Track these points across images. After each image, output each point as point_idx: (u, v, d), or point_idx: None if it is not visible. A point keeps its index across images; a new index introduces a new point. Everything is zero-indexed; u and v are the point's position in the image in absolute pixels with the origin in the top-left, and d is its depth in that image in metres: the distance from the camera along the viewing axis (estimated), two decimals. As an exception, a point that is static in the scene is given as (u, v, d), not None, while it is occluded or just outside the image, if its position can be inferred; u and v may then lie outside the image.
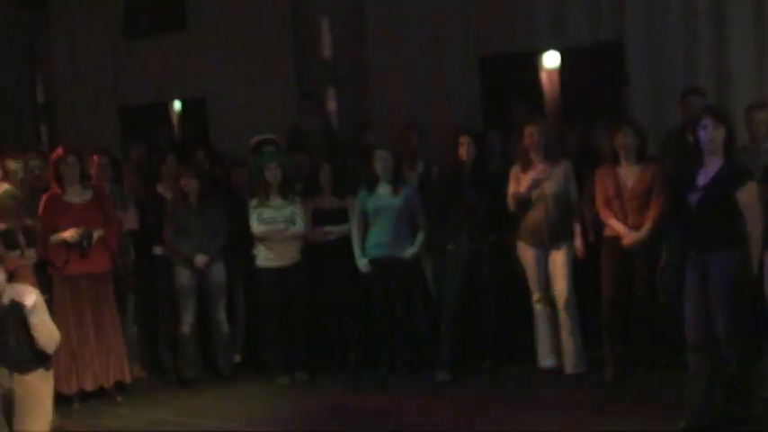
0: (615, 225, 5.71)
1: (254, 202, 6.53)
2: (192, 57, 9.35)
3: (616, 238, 5.73)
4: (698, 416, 4.68)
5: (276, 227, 6.46)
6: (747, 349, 4.68)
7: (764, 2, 6.85)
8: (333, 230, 6.63)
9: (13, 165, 6.53)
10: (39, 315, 5.03)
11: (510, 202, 6.06)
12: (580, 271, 6.04)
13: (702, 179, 4.68)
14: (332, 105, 8.72)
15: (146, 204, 6.98)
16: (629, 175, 5.73)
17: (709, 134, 4.64)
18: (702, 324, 4.67)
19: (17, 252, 6.08)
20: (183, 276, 6.65)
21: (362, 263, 6.43)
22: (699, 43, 7.14)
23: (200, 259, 6.58)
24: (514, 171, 6.09)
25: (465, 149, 6.18)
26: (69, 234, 6.07)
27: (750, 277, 4.67)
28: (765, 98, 6.48)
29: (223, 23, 9.20)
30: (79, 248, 6.13)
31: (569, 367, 6.05)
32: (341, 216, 6.66)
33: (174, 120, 9.82)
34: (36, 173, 6.66)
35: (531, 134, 6.02)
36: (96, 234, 6.14)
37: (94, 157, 6.72)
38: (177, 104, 9.89)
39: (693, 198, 4.65)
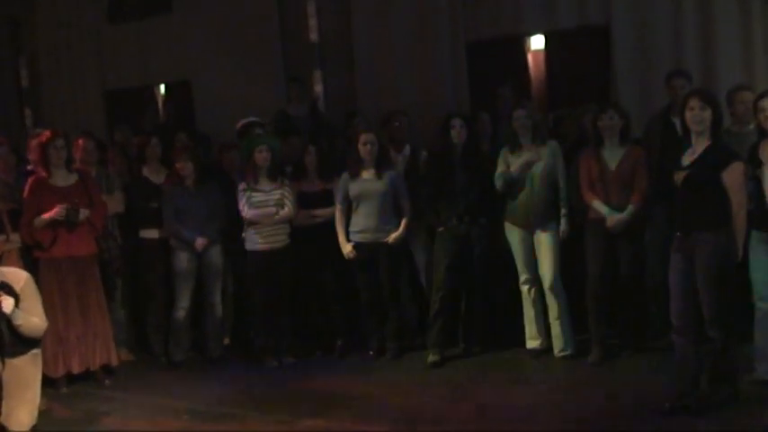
0: (599, 207, 5.74)
1: (242, 186, 6.52)
2: (177, 40, 9.28)
3: (600, 220, 5.77)
4: (683, 397, 4.73)
5: (266, 210, 6.45)
6: (732, 331, 4.73)
7: (750, -15, 6.89)
8: (319, 213, 6.63)
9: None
10: (19, 317, 5.02)
11: (497, 182, 6.07)
12: (568, 253, 6.07)
13: (689, 159, 4.71)
14: (319, 89, 8.69)
15: (131, 187, 6.95)
16: (613, 157, 5.78)
17: (697, 115, 4.66)
18: (687, 306, 4.72)
19: (2, 236, 6.07)
20: (183, 260, 6.65)
21: (347, 248, 6.43)
22: (685, 27, 7.16)
23: (200, 242, 6.58)
24: (503, 153, 6.11)
25: (457, 132, 6.19)
26: (55, 211, 6.03)
27: (735, 259, 4.71)
28: (750, 81, 6.52)
29: (209, 6, 9.13)
30: (67, 225, 6.08)
31: (557, 349, 6.09)
32: (326, 199, 6.66)
33: (160, 103, 9.76)
34: None
35: (518, 117, 6.04)
36: (83, 213, 6.11)
37: (79, 140, 6.67)
38: (162, 88, 9.85)
39: (679, 177, 4.67)
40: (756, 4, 6.88)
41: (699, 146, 4.71)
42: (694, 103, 4.68)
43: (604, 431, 4.70)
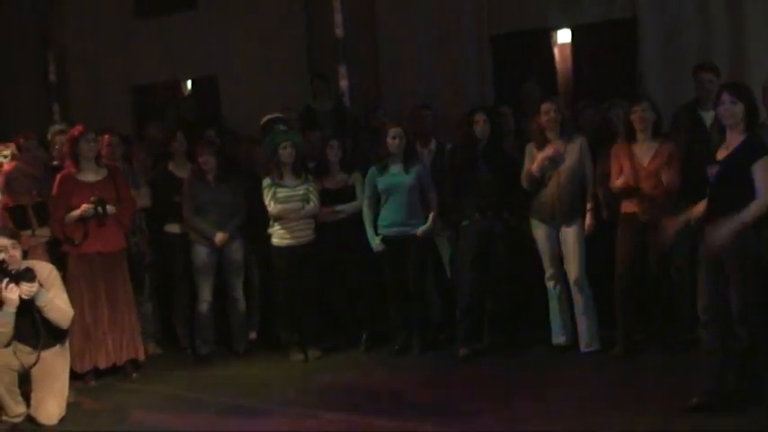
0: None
1: (267, 181, 6.53)
2: (203, 35, 9.33)
3: (632, 215, 5.72)
4: (710, 393, 4.68)
5: (292, 206, 6.47)
6: (761, 327, 4.67)
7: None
8: (343, 209, 6.64)
9: (25, 143, 6.55)
10: (44, 297, 5.10)
11: (523, 179, 6.05)
12: (593, 248, 6.04)
13: (722, 154, 4.66)
14: (343, 84, 8.70)
15: (157, 182, 7.00)
16: (645, 152, 5.72)
17: (727, 109, 4.60)
18: (715, 300, 4.67)
19: (28, 231, 6.13)
20: (202, 254, 6.68)
21: (375, 242, 6.44)
22: (714, 18, 7.09)
23: (220, 236, 6.61)
24: (529, 149, 6.08)
25: (480, 127, 6.17)
26: (83, 207, 6.07)
27: (765, 255, 4.64)
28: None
29: (234, 2, 9.18)
30: (95, 218, 6.12)
31: (583, 345, 6.07)
32: (349, 194, 6.67)
33: (186, 98, 9.81)
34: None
35: (547, 111, 5.99)
36: (110, 209, 6.14)
37: (105, 136, 6.71)
38: (189, 83, 9.90)
39: (712, 171, 4.63)
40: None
41: (733, 140, 4.64)
42: (725, 97, 4.62)
43: (630, 428, 4.66)
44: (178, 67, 9.64)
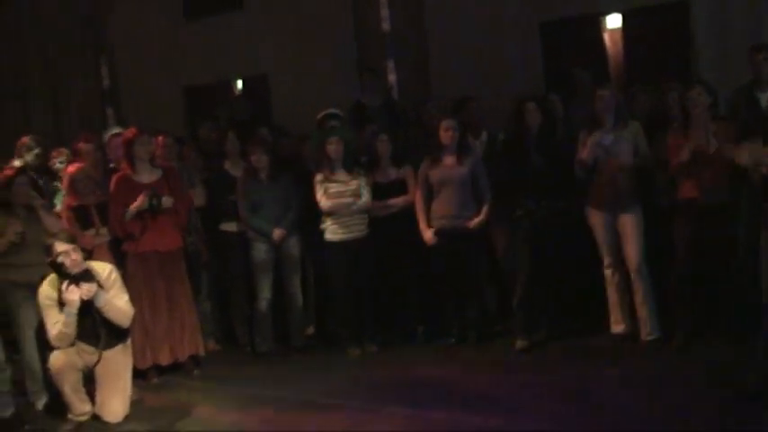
0: None
1: (319, 177, 6.57)
2: (252, 35, 9.41)
3: (691, 201, 5.60)
4: (768, 380, 4.57)
5: (343, 201, 6.49)
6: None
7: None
8: (394, 203, 6.64)
9: (86, 146, 6.68)
10: (102, 298, 5.21)
11: (576, 167, 5.98)
12: (651, 236, 5.95)
13: None
14: (392, 78, 8.71)
15: (212, 182, 7.08)
16: (702, 135, 5.59)
17: None
18: None
19: (92, 230, 6.25)
20: (261, 252, 6.74)
21: (428, 235, 6.44)
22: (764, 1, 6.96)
23: (278, 233, 6.66)
24: (583, 135, 5.99)
25: (531, 116, 6.12)
26: (139, 199, 6.14)
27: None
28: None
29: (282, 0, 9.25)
30: (150, 212, 6.19)
31: (644, 333, 5.98)
32: (400, 188, 6.67)
33: (237, 97, 9.91)
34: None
35: (602, 97, 5.91)
36: (166, 201, 6.19)
37: (159, 138, 6.80)
38: (239, 83, 10.00)
39: None
40: None
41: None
42: None
43: (691, 416, 4.59)
44: (228, 67, 9.75)
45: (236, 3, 9.63)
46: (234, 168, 7.03)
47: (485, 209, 6.39)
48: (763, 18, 7.02)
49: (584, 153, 5.88)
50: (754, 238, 5.06)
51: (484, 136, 6.86)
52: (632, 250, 5.92)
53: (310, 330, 7.19)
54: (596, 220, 6.03)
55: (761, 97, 5.97)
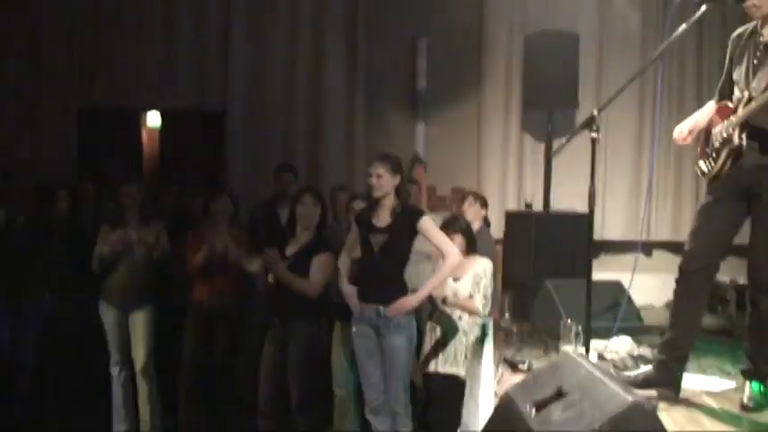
0: None
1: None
2: None
3: (201, 304, 5.66)
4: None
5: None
6: None
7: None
8: None
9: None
10: None
11: (94, 261, 5.74)
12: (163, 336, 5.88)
13: None
14: None
15: None
16: (220, 241, 5.65)
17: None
18: None
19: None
20: None
21: None
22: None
23: None
24: (105, 229, 5.75)
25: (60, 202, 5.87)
26: None
27: None
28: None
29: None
30: None
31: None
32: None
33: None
34: None
35: (126, 192, 5.76)
36: None
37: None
38: None
39: None
40: None
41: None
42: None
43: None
44: None
45: None
46: None
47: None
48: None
49: (104, 248, 5.70)
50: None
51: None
52: (141, 349, 5.79)
53: None
54: (108, 315, 5.81)
55: (281, 213, 6.36)
